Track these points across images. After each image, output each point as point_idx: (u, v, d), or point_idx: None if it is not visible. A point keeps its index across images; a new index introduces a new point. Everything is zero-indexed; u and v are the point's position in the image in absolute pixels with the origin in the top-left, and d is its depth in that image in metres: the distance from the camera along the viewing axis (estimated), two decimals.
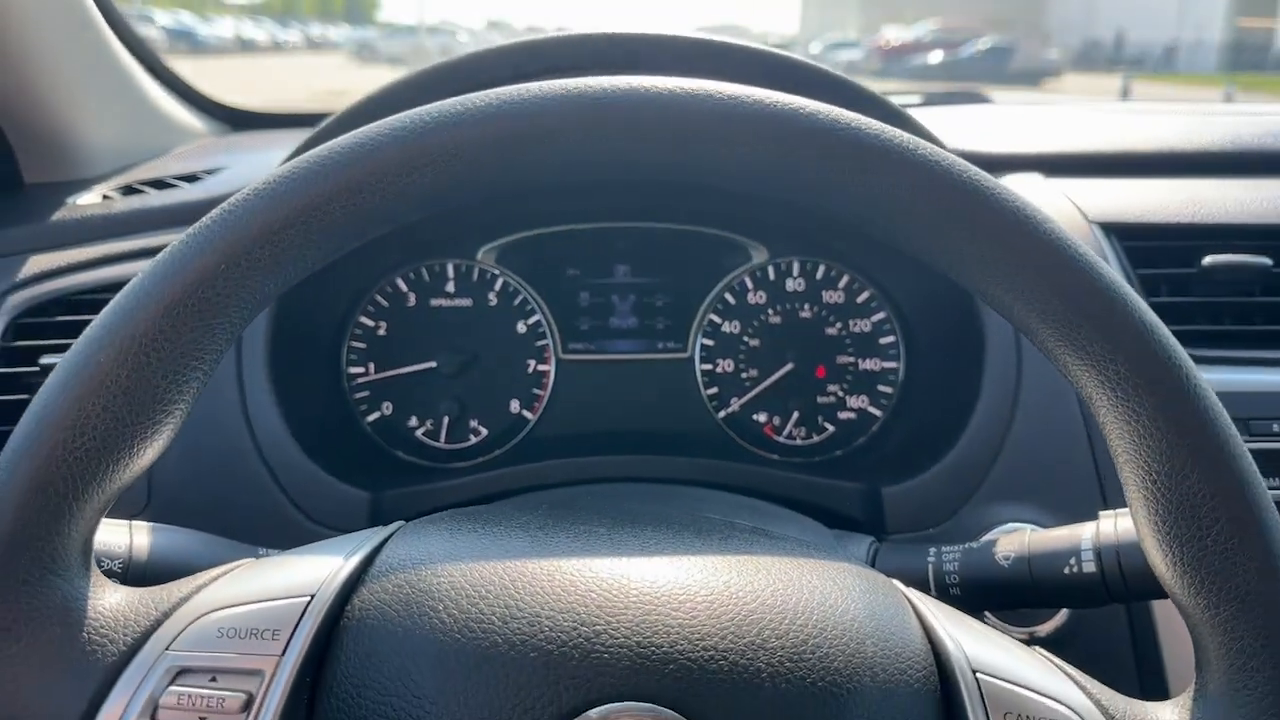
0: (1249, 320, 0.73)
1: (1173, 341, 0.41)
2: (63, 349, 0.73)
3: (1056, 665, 0.45)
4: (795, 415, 0.85)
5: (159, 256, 0.41)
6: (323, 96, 12.64)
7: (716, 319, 0.86)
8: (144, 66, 1.04)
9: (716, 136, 0.41)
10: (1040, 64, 25.02)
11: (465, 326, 0.86)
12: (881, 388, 0.86)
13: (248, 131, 1.20)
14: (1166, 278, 0.74)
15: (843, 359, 0.86)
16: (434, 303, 0.86)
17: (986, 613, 0.67)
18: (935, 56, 26.04)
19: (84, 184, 0.91)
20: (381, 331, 0.86)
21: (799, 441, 0.86)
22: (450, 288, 0.86)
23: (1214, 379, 0.70)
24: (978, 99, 1.38)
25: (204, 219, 0.41)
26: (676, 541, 0.44)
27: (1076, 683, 0.44)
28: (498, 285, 0.86)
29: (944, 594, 0.58)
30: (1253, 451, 0.67)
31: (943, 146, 0.75)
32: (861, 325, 0.86)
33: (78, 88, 0.90)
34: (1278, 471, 0.67)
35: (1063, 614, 0.67)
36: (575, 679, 0.37)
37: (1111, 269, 0.41)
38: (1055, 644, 0.67)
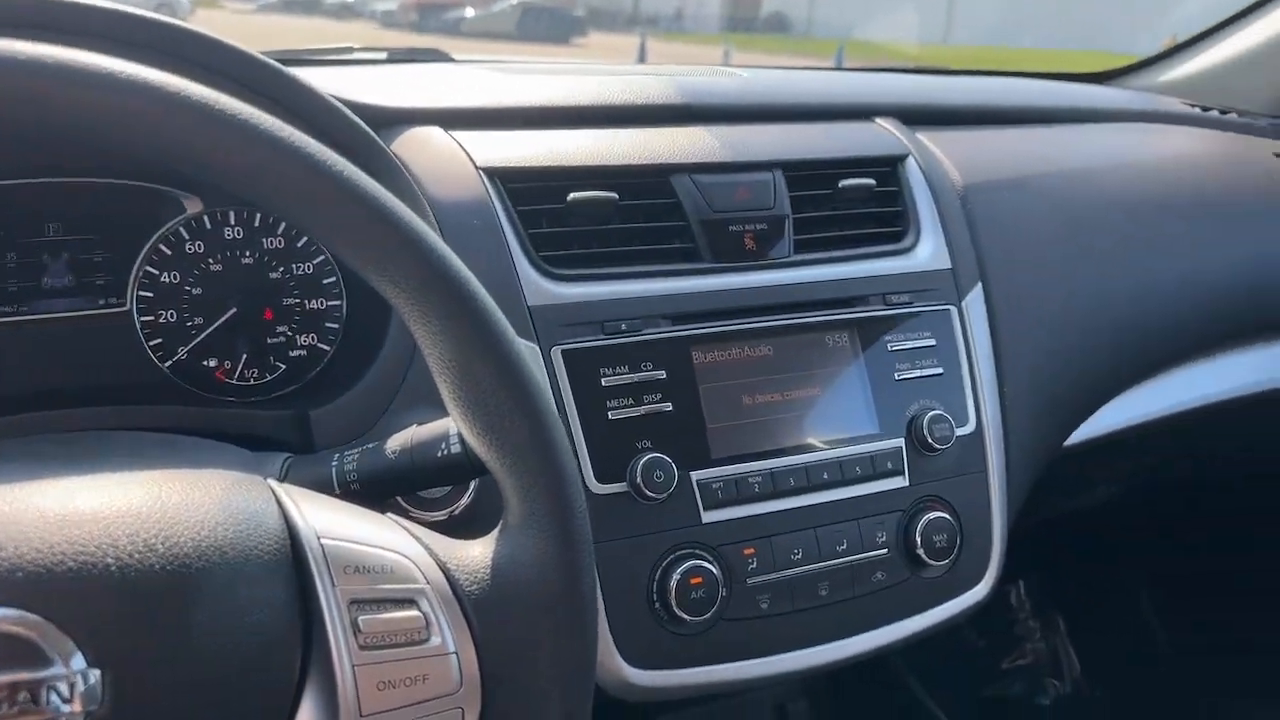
0: (608, 244, 0.91)
1: (457, 263, 0.53)
2: None
3: (400, 524, 0.56)
4: (245, 357, 0.91)
5: None
6: None
7: (154, 271, 0.89)
8: None
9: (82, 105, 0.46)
10: (566, 22, 26.35)
11: None
12: (328, 324, 0.94)
13: None
14: (545, 212, 0.89)
15: (289, 300, 0.93)
16: None
17: (412, 507, 0.79)
18: (469, 11, 26.42)
19: None
20: None
21: (253, 381, 0.92)
22: None
23: (581, 291, 0.87)
24: (440, 57, 1.49)
25: None
26: (41, 471, 0.49)
27: (412, 534, 0.55)
28: None
29: (348, 491, 0.68)
30: (604, 346, 0.85)
31: (329, 101, 0.84)
32: (304, 268, 0.93)
33: None
34: (625, 359, 0.85)
35: (470, 493, 0.80)
36: None
37: (406, 210, 0.52)
38: (469, 517, 0.81)
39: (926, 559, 0.92)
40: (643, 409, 0.85)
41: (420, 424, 0.69)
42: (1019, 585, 1.97)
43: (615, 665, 0.82)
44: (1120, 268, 1.17)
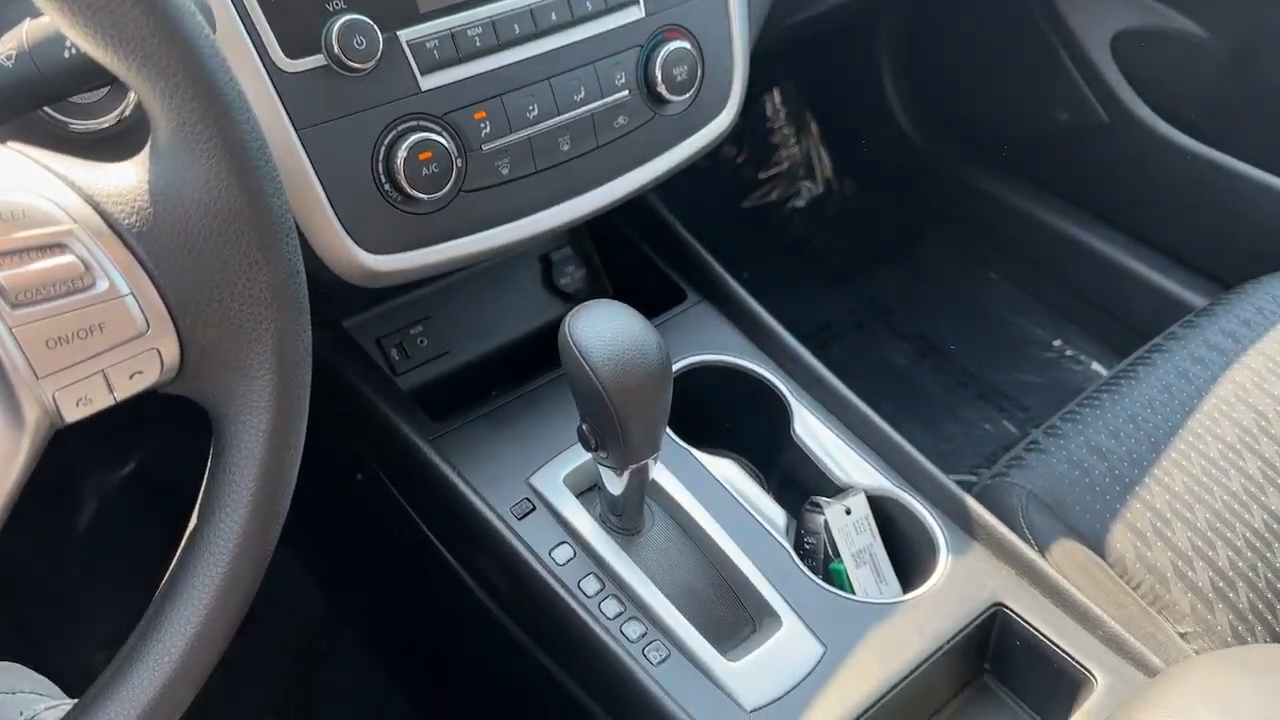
0: None
1: None
2: None
3: (25, 154, 0.46)
4: None
5: None
6: None
7: None
8: None
9: None
10: None
11: None
12: None
13: None
14: None
15: None
16: None
17: (70, 118, 0.66)
18: None
19: None
20: None
21: None
22: None
23: None
24: None
25: None
26: None
27: (43, 164, 0.45)
28: None
29: None
30: None
31: None
32: None
33: None
34: None
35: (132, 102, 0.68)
36: None
37: None
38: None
39: (668, 95, 0.87)
40: None
41: (33, 18, 0.55)
42: (774, 94, 1.99)
43: (351, 254, 0.76)
44: None
